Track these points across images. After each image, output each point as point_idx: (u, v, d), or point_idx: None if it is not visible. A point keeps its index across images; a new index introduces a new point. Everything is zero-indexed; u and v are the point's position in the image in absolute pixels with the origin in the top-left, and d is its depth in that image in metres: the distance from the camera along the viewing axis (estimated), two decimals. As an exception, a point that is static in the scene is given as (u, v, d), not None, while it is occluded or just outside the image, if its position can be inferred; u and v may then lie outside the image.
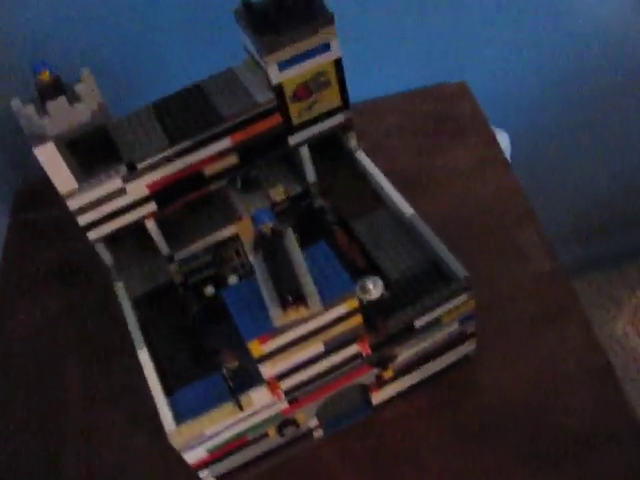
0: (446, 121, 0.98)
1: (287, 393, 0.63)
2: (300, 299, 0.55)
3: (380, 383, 0.69)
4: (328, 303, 0.56)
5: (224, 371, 0.63)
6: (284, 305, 0.55)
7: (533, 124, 1.06)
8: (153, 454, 0.72)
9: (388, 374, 0.68)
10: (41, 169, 0.69)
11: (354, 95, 0.75)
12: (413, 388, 0.72)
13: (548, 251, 0.81)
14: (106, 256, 0.75)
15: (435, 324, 0.66)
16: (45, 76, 0.62)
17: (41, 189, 1.02)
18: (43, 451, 0.77)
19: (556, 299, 0.77)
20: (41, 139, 0.63)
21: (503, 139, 0.99)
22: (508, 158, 0.95)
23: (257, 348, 0.57)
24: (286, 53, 0.67)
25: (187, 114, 0.71)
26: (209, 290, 0.77)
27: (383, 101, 1.04)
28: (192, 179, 0.72)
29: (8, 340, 0.89)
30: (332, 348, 0.61)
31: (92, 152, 0.66)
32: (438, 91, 1.02)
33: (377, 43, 1.01)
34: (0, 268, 0.97)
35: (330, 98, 0.73)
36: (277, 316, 0.55)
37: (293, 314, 0.55)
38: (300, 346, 0.59)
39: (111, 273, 0.75)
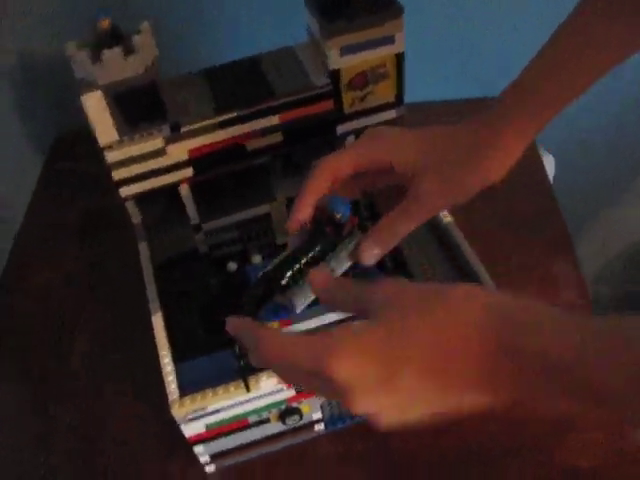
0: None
1: (296, 381, 0.62)
2: None
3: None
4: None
5: (236, 349, 0.62)
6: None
7: (582, 149, 1.04)
8: (154, 425, 0.72)
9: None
10: (81, 119, 0.68)
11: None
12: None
13: (579, 283, 0.79)
14: (135, 215, 0.74)
15: (456, 336, 0.65)
16: (105, 24, 0.61)
17: (77, 140, 1.03)
18: (40, 405, 0.76)
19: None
20: (90, 86, 0.62)
21: (548, 161, 0.97)
22: (551, 181, 0.93)
23: (275, 331, 0.55)
24: (349, 39, 0.66)
25: (239, 85, 0.69)
26: (232, 266, 0.76)
27: (430, 106, 1.02)
28: (233, 151, 0.70)
29: (24, 291, 0.88)
30: (349, 343, 0.59)
31: (139, 107, 0.64)
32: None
33: (433, 48, 0.99)
34: (25, 217, 0.97)
35: (385, 92, 0.71)
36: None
37: None
38: (318, 336, 0.57)
39: (136, 233, 0.74)
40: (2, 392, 0.78)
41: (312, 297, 0.52)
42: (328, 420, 0.69)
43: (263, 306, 0.52)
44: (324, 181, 0.54)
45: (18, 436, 0.74)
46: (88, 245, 0.92)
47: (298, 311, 0.52)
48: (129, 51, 0.61)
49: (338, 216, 0.52)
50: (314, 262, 0.52)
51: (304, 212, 0.53)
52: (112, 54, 0.60)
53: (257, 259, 0.76)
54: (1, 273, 0.91)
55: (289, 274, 0.51)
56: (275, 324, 0.55)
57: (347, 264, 0.53)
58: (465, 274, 0.67)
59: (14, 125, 0.99)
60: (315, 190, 0.54)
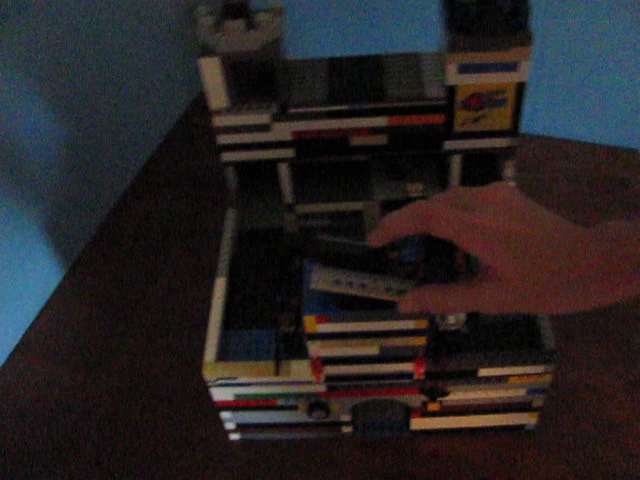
0: (621, 188, 0.91)
1: (328, 379, 0.62)
2: None
3: (423, 412, 0.66)
4: (395, 314, 0.54)
5: (279, 332, 0.64)
6: None
7: None
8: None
9: (434, 406, 0.65)
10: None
11: (534, 124, 0.70)
12: (457, 432, 0.69)
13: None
14: (232, 181, 0.76)
15: (500, 380, 0.62)
16: (237, -5, 0.63)
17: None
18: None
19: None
20: (209, 52, 0.64)
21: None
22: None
23: (312, 324, 0.56)
24: (470, 58, 0.64)
25: (356, 80, 0.70)
26: (313, 252, 0.77)
27: (561, 142, 0.97)
28: (336, 142, 0.71)
29: (126, 223, 0.95)
30: (386, 357, 0.59)
31: (252, 81, 0.67)
32: (628, 156, 0.95)
33: (581, 82, 0.94)
34: (148, 160, 1.03)
35: (500, 118, 0.69)
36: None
37: None
38: (355, 341, 0.58)
39: (229, 198, 0.77)
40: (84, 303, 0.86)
41: (327, 289, 0.52)
42: (359, 425, 0.70)
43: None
44: (408, 229, 0.49)
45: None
46: (191, 200, 0.97)
47: (310, 287, 0.52)
48: (251, 26, 0.63)
49: (402, 254, 0.52)
50: (354, 266, 0.52)
51: (376, 244, 0.50)
52: (233, 25, 0.62)
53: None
54: (117, 200, 0.99)
55: (325, 253, 0.53)
56: (312, 317, 0.55)
57: (379, 295, 0.52)
58: (532, 322, 0.65)
59: (162, 75, 1.04)
60: (396, 232, 0.49)
